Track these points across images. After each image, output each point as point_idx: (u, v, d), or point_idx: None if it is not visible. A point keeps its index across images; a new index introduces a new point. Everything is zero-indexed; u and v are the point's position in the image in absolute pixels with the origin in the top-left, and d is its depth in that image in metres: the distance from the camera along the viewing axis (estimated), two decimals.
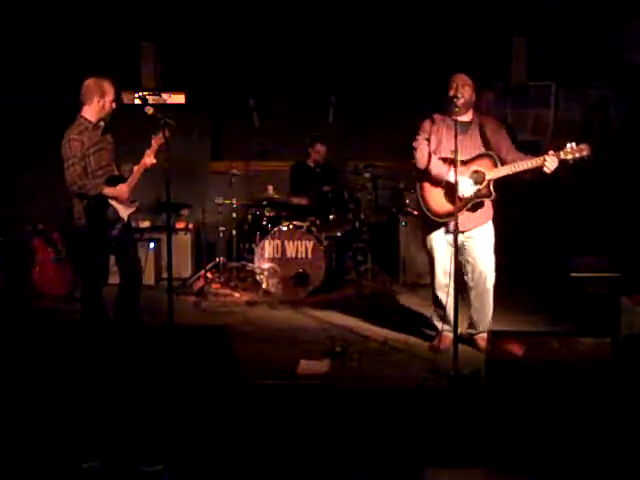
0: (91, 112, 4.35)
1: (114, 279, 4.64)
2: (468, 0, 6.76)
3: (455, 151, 4.03)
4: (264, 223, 6.37)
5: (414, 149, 4.44)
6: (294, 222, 6.12)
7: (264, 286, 6.02)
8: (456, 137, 3.99)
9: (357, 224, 6.63)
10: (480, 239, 4.43)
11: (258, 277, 6.06)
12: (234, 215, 6.51)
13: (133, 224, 4.95)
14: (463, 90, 4.25)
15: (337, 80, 6.90)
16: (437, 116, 4.45)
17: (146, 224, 6.69)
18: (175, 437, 3.15)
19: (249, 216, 6.63)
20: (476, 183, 4.29)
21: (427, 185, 4.44)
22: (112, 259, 4.76)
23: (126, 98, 6.71)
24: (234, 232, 6.52)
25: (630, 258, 5.78)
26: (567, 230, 6.59)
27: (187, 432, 3.18)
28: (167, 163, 4.26)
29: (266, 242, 6.05)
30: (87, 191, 4.26)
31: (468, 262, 4.46)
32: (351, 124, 6.96)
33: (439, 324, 4.54)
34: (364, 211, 6.67)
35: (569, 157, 4.10)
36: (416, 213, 6.27)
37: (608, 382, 3.20)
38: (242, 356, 4.06)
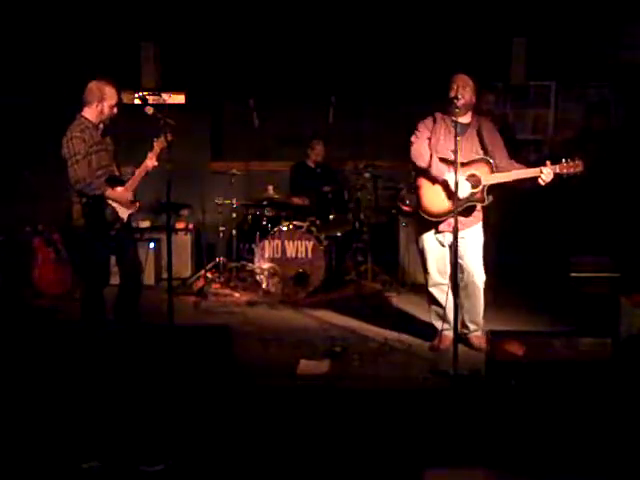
0: (91, 113, 4.36)
1: (114, 280, 4.64)
2: (468, 0, 6.76)
3: (455, 152, 4.04)
4: (264, 223, 6.36)
5: (411, 144, 4.44)
6: (294, 222, 6.12)
7: (264, 286, 6.02)
8: (456, 138, 4.00)
9: (357, 224, 6.63)
10: (471, 240, 4.44)
11: (258, 277, 6.06)
12: (234, 215, 6.51)
13: (133, 224, 4.95)
14: (464, 91, 4.25)
15: (337, 80, 6.90)
16: (438, 115, 4.46)
17: (146, 224, 6.69)
18: (175, 437, 3.15)
19: (249, 216, 6.63)
20: (471, 187, 4.30)
21: (422, 183, 4.45)
22: (112, 259, 4.77)
23: (126, 98, 6.70)
24: (234, 232, 6.52)
25: (630, 258, 5.79)
26: (567, 230, 6.59)
27: (187, 432, 3.18)
28: (168, 164, 4.27)
29: (266, 242, 6.05)
30: (92, 189, 4.26)
31: (458, 263, 4.46)
32: (351, 124, 6.96)
33: (438, 323, 4.54)
34: (364, 211, 6.67)
35: (564, 172, 4.21)
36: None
37: (608, 382, 3.20)
38: (242, 356, 4.06)
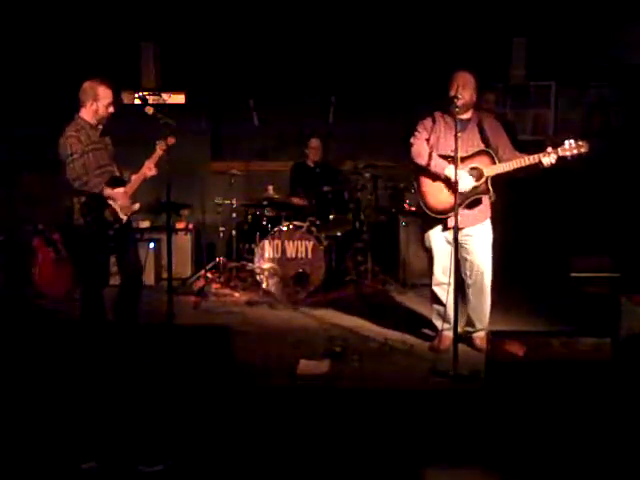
0: (87, 113, 4.36)
1: (114, 280, 4.64)
2: (468, 0, 6.76)
3: (455, 150, 4.04)
4: (264, 223, 6.37)
5: (411, 145, 4.45)
6: (294, 222, 6.12)
7: (264, 286, 6.02)
8: (456, 136, 4.00)
9: (357, 224, 6.63)
10: (478, 237, 4.44)
11: (258, 277, 6.06)
12: (234, 215, 6.52)
13: (133, 224, 4.95)
14: (464, 91, 4.24)
15: (337, 80, 6.90)
16: (437, 114, 4.46)
17: (146, 224, 6.69)
18: (174, 437, 3.15)
19: (249, 216, 6.63)
20: (474, 180, 4.30)
21: (425, 182, 4.45)
22: (112, 260, 4.77)
23: (126, 98, 6.72)
24: (234, 232, 6.52)
25: (630, 258, 5.79)
26: (567, 229, 6.59)
27: (186, 432, 3.18)
28: (167, 164, 4.27)
29: (266, 242, 6.05)
30: (90, 188, 4.25)
31: (466, 260, 4.46)
32: (351, 124, 6.96)
33: (439, 323, 4.54)
34: (364, 211, 6.67)
35: (567, 154, 4.13)
36: (413, 209, 6.28)
37: (608, 382, 3.20)
38: (242, 356, 4.06)
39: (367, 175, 6.56)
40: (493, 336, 3.74)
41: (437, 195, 4.40)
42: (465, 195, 4.28)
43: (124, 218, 4.42)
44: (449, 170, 4.23)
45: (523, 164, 4.21)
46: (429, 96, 4.65)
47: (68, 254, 6.14)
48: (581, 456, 3.02)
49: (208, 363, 3.46)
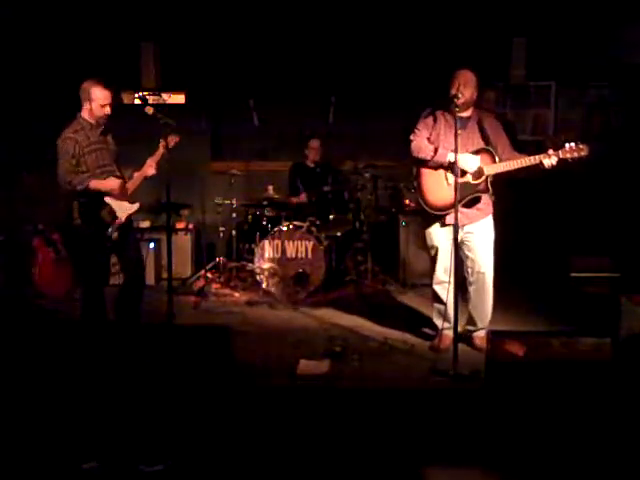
0: (86, 113, 4.37)
1: (114, 280, 4.64)
2: (468, 0, 6.76)
3: (455, 150, 4.05)
4: (264, 223, 6.37)
5: (411, 141, 4.45)
6: (294, 222, 6.12)
7: (264, 286, 6.02)
8: (456, 134, 4.01)
9: (357, 224, 6.63)
10: (480, 235, 4.44)
11: (258, 277, 6.06)
12: (234, 215, 6.52)
13: (134, 224, 4.95)
14: (465, 89, 4.24)
15: (337, 80, 6.90)
16: (438, 112, 4.46)
17: (146, 224, 6.70)
18: (175, 437, 3.15)
19: (249, 216, 6.63)
20: (474, 178, 4.31)
21: (424, 178, 4.45)
22: (112, 260, 4.77)
23: (126, 98, 6.72)
24: (234, 232, 6.52)
25: (630, 258, 5.79)
26: (567, 229, 6.59)
27: (187, 432, 3.18)
28: (167, 164, 4.27)
29: (266, 242, 6.05)
30: (73, 186, 4.22)
31: (468, 258, 4.46)
32: (351, 124, 6.96)
33: (439, 322, 4.54)
34: (364, 211, 6.67)
35: (568, 156, 4.14)
36: (413, 205, 6.28)
37: (608, 382, 3.20)
38: (242, 356, 4.06)
39: (367, 175, 6.56)
40: (493, 336, 3.74)
41: (436, 192, 4.40)
42: (464, 192, 4.28)
43: (122, 217, 4.41)
44: (452, 155, 4.22)
45: (523, 164, 4.21)
46: (429, 96, 4.65)
47: (68, 254, 6.14)
48: (581, 456, 3.02)
49: (208, 363, 3.46)
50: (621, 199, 6.58)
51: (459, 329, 4.24)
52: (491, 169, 4.29)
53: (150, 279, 6.26)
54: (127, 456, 3.04)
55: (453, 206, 4.09)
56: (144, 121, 4.29)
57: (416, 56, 6.84)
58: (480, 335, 4.54)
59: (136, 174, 4.46)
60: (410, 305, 5.77)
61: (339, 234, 6.43)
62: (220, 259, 6.50)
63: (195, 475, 3.03)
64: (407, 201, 6.58)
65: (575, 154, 4.13)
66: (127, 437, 3.14)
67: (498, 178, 4.33)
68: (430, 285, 4.66)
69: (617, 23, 6.72)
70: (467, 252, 4.45)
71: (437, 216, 4.43)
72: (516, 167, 4.23)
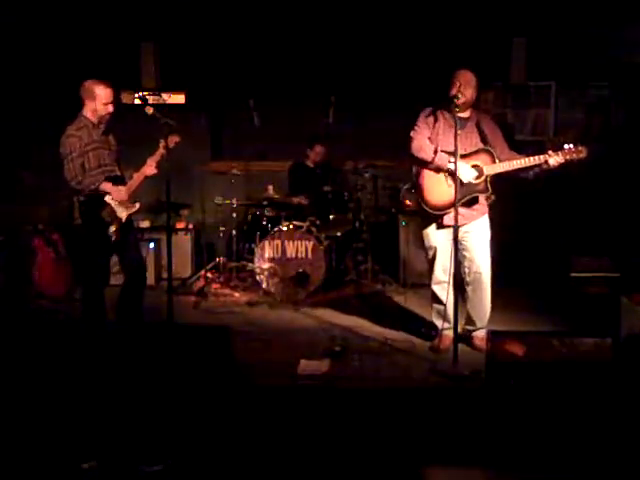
0: (88, 112, 4.38)
1: (114, 280, 4.64)
2: (468, 0, 6.75)
3: (455, 150, 4.06)
4: (264, 223, 6.37)
5: (412, 139, 4.44)
6: (294, 222, 6.12)
7: (264, 286, 6.02)
8: (456, 134, 4.01)
9: (357, 224, 6.63)
10: (477, 233, 4.45)
11: (258, 277, 6.06)
12: (234, 215, 6.52)
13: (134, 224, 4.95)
14: (465, 89, 4.25)
15: (337, 80, 6.90)
16: (438, 111, 4.46)
17: (146, 224, 6.70)
18: (174, 437, 3.15)
19: (249, 216, 6.63)
20: (474, 178, 4.31)
21: (424, 178, 4.45)
22: (112, 259, 4.76)
23: (126, 98, 6.72)
24: (234, 232, 6.52)
25: (630, 258, 5.79)
26: (568, 229, 6.59)
27: (187, 432, 3.18)
28: (167, 164, 4.27)
29: (266, 242, 6.04)
30: (84, 186, 4.27)
31: (465, 257, 4.47)
32: (351, 124, 6.95)
33: (439, 322, 4.54)
34: (364, 211, 6.67)
35: (567, 158, 4.17)
36: (408, 203, 6.28)
37: (608, 382, 3.20)
38: (242, 356, 4.06)
39: (367, 175, 6.57)
40: (493, 336, 3.73)
41: (435, 191, 4.40)
42: (464, 192, 4.28)
43: (123, 217, 4.42)
44: (452, 165, 4.23)
45: (523, 165, 4.24)
46: (429, 96, 4.65)
47: (68, 254, 6.14)
48: (581, 456, 3.02)
49: (208, 363, 3.46)
50: (621, 199, 6.58)
51: (458, 329, 4.24)
52: (491, 169, 4.30)
53: (150, 279, 6.24)
54: (127, 456, 3.04)
55: (452, 206, 4.10)
56: (144, 121, 4.30)
57: (416, 56, 6.84)
58: (480, 335, 4.54)
59: (136, 174, 4.47)
60: (410, 305, 5.76)
61: (339, 234, 6.43)
62: (220, 259, 6.50)
63: (195, 475, 3.03)
64: (406, 202, 6.57)
65: (574, 156, 4.16)
66: (127, 437, 3.14)
67: (497, 178, 4.33)
68: (429, 285, 4.66)
69: (617, 23, 6.71)
70: (464, 252, 4.45)
71: (436, 216, 4.44)
72: (515, 167, 4.26)
